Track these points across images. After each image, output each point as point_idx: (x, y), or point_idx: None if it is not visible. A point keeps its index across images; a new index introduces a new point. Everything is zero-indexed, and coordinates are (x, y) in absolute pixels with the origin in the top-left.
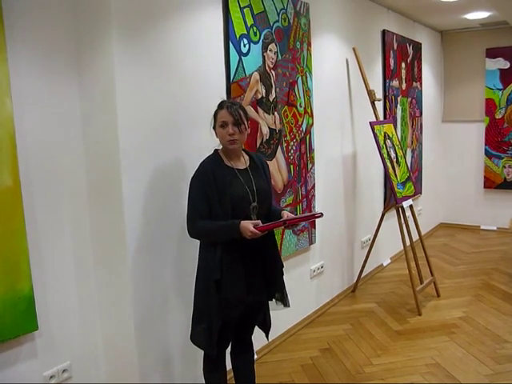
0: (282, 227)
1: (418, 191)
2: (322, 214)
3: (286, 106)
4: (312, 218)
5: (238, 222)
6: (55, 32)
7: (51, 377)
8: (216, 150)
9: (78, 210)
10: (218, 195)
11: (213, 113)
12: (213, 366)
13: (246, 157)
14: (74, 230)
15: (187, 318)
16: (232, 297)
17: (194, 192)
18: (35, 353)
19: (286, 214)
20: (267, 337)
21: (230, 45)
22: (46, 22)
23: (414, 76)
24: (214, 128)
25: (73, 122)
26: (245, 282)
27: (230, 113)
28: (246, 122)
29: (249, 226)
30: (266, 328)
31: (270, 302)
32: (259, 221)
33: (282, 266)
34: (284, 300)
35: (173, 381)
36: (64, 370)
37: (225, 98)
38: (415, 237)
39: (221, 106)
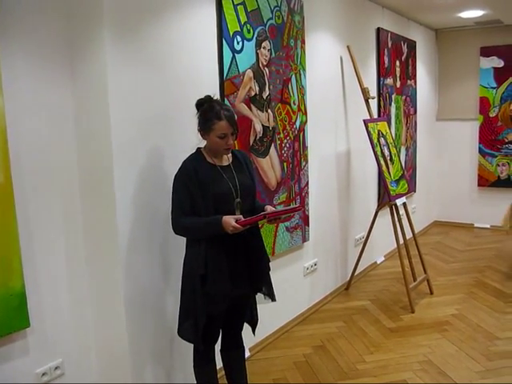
0: (264, 221)
1: (411, 189)
2: (302, 206)
3: (279, 104)
4: (292, 211)
5: (220, 218)
6: (48, 30)
7: (43, 374)
8: (199, 148)
9: (70, 207)
10: (200, 192)
11: (197, 112)
12: (202, 361)
13: (229, 153)
14: (66, 227)
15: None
16: (217, 291)
17: (176, 190)
18: (27, 350)
19: (269, 209)
20: (254, 332)
21: (224, 42)
22: (38, 21)
23: (409, 74)
24: (203, 131)
25: (65, 119)
26: (229, 277)
27: (231, 125)
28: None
29: (230, 220)
30: (253, 323)
31: (257, 297)
32: (241, 216)
33: (268, 261)
34: (271, 295)
35: (165, 377)
36: (56, 367)
37: (214, 96)
38: (409, 234)
39: (218, 116)
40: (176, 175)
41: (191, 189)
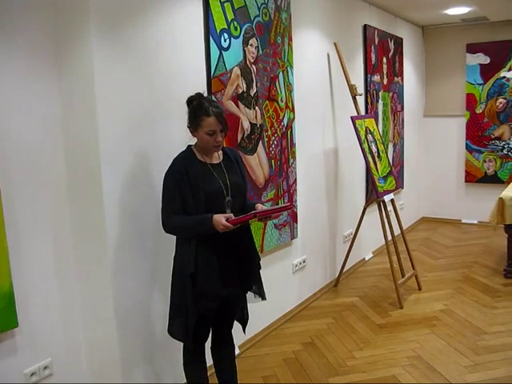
0: (255, 219)
1: (399, 185)
2: (292, 205)
3: (267, 101)
4: (283, 210)
5: (211, 216)
6: (33, 29)
7: (32, 374)
8: (189, 146)
9: (57, 206)
10: (191, 191)
11: (188, 108)
12: (192, 360)
13: (220, 151)
14: (53, 226)
15: (167, 314)
16: (207, 290)
17: (167, 188)
18: (15, 350)
19: (260, 207)
20: (244, 330)
21: (211, 39)
22: (24, 19)
23: (396, 71)
24: (193, 128)
25: (52, 118)
26: (220, 276)
27: (220, 122)
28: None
29: (221, 219)
30: (244, 322)
31: (247, 296)
32: (231, 214)
33: (259, 259)
34: (261, 294)
35: (155, 376)
36: (45, 367)
37: (204, 94)
38: (397, 231)
39: (207, 112)
40: (166, 173)
41: (182, 187)
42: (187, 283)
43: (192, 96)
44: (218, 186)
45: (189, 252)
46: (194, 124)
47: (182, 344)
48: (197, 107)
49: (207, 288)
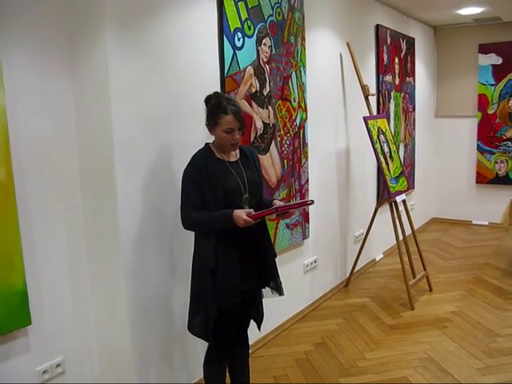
0: (274, 215)
1: (410, 186)
2: (313, 201)
3: (279, 101)
4: (304, 205)
5: (231, 212)
6: (48, 25)
7: (44, 372)
8: (207, 144)
9: (71, 204)
10: (210, 187)
11: (206, 107)
12: (214, 362)
13: (237, 150)
14: (67, 224)
15: (182, 312)
16: (228, 285)
17: (186, 184)
18: (28, 348)
19: (278, 203)
20: (259, 328)
21: (225, 39)
22: (39, 15)
23: (407, 71)
24: (211, 126)
25: (66, 115)
26: (240, 270)
27: (237, 119)
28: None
29: (242, 214)
30: (259, 319)
31: (264, 291)
32: (251, 209)
33: (275, 256)
34: (278, 289)
35: (168, 375)
36: (57, 365)
37: (219, 92)
38: (408, 231)
39: (224, 110)
40: (185, 170)
41: (201, 183)
42: (207, 279)
43: (210, 94)
44: (236, 183)
45: (209, 247)
46: (212, 122)
47: (208, 344)
48: (215, 105)
49: (228, 283)
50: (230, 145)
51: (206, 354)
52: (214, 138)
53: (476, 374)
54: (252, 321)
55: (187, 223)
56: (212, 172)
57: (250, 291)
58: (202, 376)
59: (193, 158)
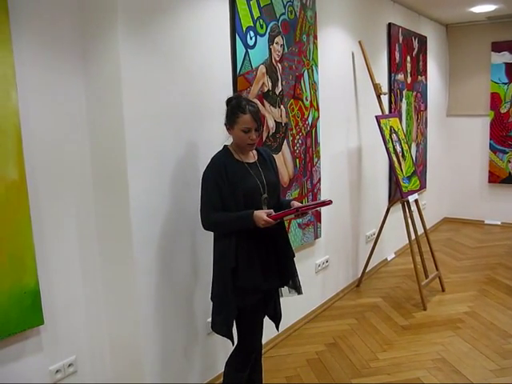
0: (293, 215)
1: (423, 186)
2: (331, 201)
3: (292, 100)
4: (322, 205)
5: (252, 212)
6: (61, 23)
7: (57, 371)
8: (226, 146)
9: (83, 204)
10: (230, 188)
11: (226, 107)
12: (238, 365)
13: (254, 151)
14: (79, 224)
15: (193, 313)
16: (248, 284)
17: (206, 185)
18: (41, 347)
19: (296, 204)
20: (277, 328)
21: (237, 37)
22: (51, 13)
23: (419, 70)
24: (229, 125)
25: (78, 114)
26: (260, 270)
27: (255, 119)
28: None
29: (262, 215)
30: (277, 319)
31: (283, 290)
32: (271, 210)
33: (294, 255)
34: (297, 288)
35: (181, 376)
36: (70, 365)
37: (233, 92)
38: (420, 231)
39: (243, 109)
40: (205, 171)
41: (221, 185)
42: (227, 278)
43: (232, 96)
44: (255, 184)
45: (229, 247)
46: (230, 121)
47: (234, 345)
48: (234, 105)
49: (249, 281)
50: (246, 144)
51: (230, 354)
52: (231, 140)
53: (490, 375)
54: (270, 321)
55: (207, 224)
56: (232, 173)
57: (270, 290)
58: (222, 376)
59: (212, 159)
